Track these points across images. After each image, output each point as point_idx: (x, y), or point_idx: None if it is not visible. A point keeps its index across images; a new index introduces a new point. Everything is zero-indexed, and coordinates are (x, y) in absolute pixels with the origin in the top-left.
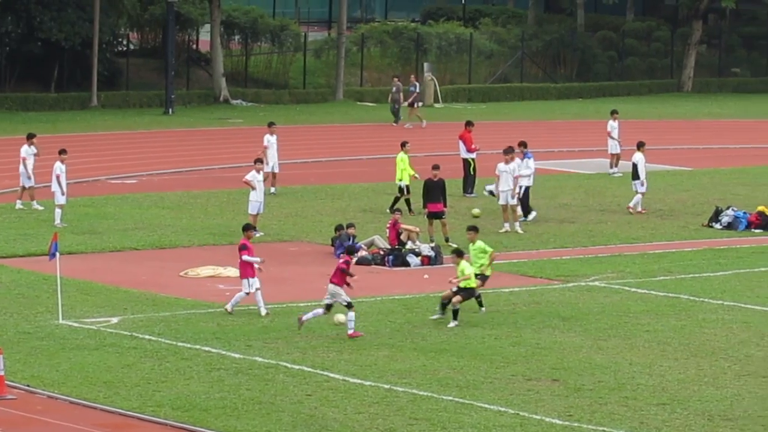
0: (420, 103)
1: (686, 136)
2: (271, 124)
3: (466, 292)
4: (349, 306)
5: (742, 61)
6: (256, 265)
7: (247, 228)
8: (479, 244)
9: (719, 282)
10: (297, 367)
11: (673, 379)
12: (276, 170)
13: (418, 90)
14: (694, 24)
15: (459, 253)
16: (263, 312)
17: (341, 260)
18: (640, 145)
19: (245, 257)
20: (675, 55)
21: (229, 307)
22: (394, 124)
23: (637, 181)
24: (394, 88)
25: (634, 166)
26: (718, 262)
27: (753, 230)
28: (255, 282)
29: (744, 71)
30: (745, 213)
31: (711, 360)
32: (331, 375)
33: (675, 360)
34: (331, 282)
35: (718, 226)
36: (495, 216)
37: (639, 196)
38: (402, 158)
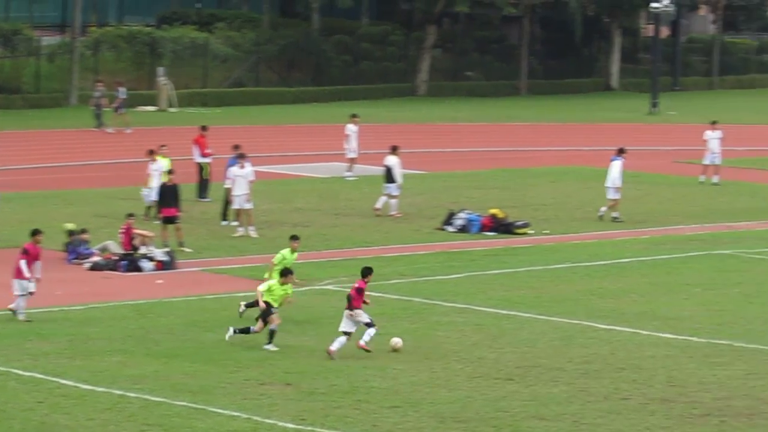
0: (123, 110)
1: (421, 140)
2: None
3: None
4: (370, 325)
5: (476, 65)
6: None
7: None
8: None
9: (452, 285)
10: (28, 373)
11: (405, 381)
12: None
13: (123, 96)
14: (428, 28)
15: (286, 273)
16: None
17: (357, 284)
18: (395, 149)
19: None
20: (410, 59)
21: (21, 316)
22: (96, 129)
23: (392, 185)
24: (97, 93)
25: (388, 169)
26: (451, 264)
27: (486, 233)
28: (30, 285)
29: (477, 75)
30: (478, 216)
31: (443, 362)
32: (63, 381)
33: (408, 363)
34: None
35: (451, 229)
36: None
37: (388, 198)
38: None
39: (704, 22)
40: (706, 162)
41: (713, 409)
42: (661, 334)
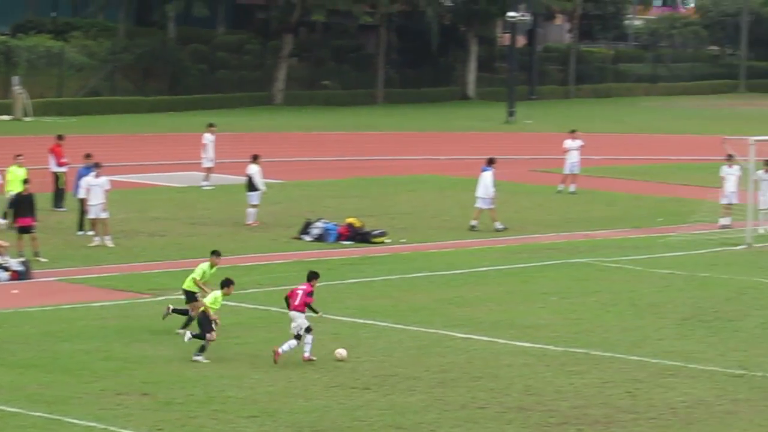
0: None
1: (277, 149)
2: None
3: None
4: (309, 330)
5: (333, 74)
6: None
7: None
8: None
9: None
10: None
11: (263, 391)
12: None
13: None
14: (285, 37)
15: (228, 284)
16: None
17: (305, 289)
18: (255, 158)
19: None
20: (266, 68)
21: None
22: None
23: (254, 194)
24: None
25: (250, 178)
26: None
27: (342, 242)
28: None
29: (334, 84)
30: (334, 225)
31: (301, 372)
32: None
33: (265, 372)
34: (295, 309)
35: (308, 238)
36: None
37: (249, 210)
38: (11, 171)
39: (560, 31)
40: (566, 171)
41: (570, 418)
42: (518, 343)
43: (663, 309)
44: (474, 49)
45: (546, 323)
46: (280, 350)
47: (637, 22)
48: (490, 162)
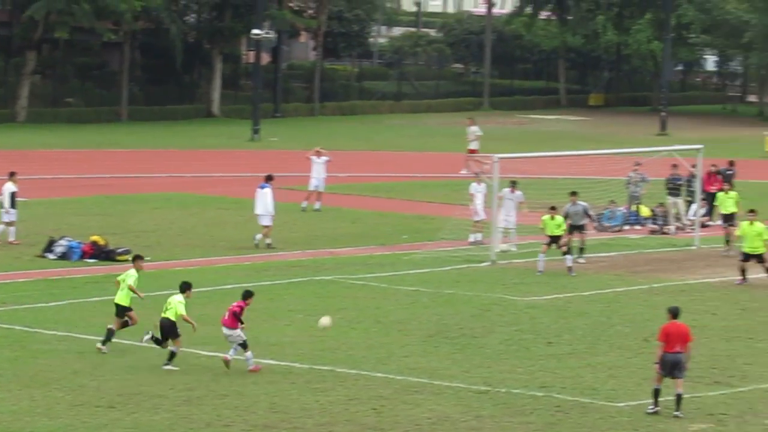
0: None
1: (19, 167)
2: None
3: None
4: (244, 346)
5: (76, 92)
6: None
7: None
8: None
9: (53, 312)
10: None
11: (6, 410)
12: None
13: None
14: (28, 54)
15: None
16: None
17: (236, 304)
18: (12, 174)
19: None
20: (9, 85)
21: None
22: None
23: (12, 210)
24: None
25: (11, 194)
26: (52, 292)
27: (87, 260)
28: None
29: (78, 101)
30: (79, 243)
31: (44, 391)
32: None
33: (8, 391)
34: (224, 325)
35: (51, 256)
36: None
37: (9, 227)
38: None
39: (305, 49)
40: (311, 188)
41: None
42: (263, 361)
43: (408, 326)
44: (219, 67)
45: (291, 341)
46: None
47: (381, 40)
48: (269, 179)
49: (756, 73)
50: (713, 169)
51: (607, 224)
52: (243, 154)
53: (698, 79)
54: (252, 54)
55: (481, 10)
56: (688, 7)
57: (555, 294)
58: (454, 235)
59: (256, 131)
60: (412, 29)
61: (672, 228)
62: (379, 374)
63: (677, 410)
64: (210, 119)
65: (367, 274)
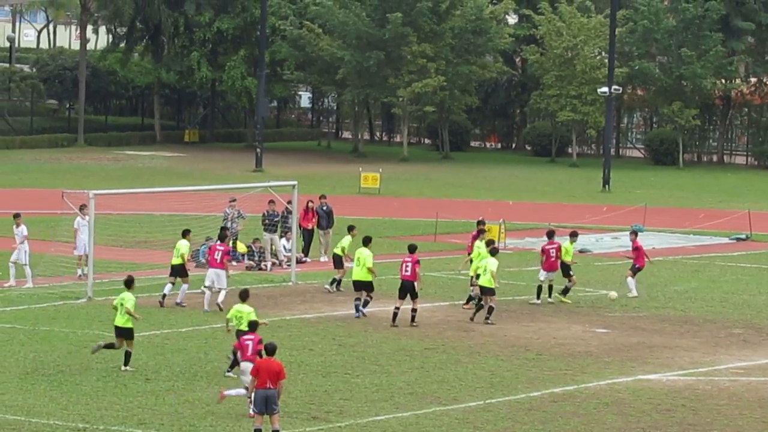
0: None
1: None
2: None
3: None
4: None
5: None
6: None
7: None
8: None
9: None
10: None
11: None
12: None
13: None
14: None
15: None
16: None
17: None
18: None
19: None
20: None
21: None
22: None
23: None
24: None
25: None
26: None
27: None
28: None
29: None
30: None
31: None
32: None
33: None
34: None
35: None
36: None
37: None
38: None
39: None
40: None
41: None
42: None
43: (5, 363)
44: None
45: None
46: (225, 392)
47: None
48: None
49: (350, 109)
50: (310, 205)
51: (204, 261)
52: None
53: (293, 116)
54: None
55: (76, 46)
56: (282, 44)
57: (153, 331)
58: (48, 271)
59: None
60: (5, 65)
61: (268, 264)
62: None
63: None
64: None
65: None
